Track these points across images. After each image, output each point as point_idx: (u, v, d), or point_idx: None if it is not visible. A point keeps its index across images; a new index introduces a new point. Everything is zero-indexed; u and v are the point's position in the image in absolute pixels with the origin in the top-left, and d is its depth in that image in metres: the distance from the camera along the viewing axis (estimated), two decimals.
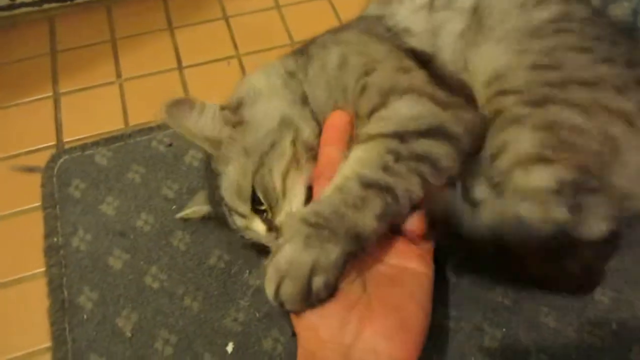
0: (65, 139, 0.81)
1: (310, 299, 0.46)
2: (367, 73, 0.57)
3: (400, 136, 0.51)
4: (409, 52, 0.62)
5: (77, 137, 0.81)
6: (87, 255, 0.68)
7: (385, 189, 0.48)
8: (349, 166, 0.51)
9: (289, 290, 0.46)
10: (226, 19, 0.98)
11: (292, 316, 0.50)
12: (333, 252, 0.46)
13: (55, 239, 0.70)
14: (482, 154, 0.56)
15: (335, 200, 0.48)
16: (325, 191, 0.50)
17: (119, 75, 0.89)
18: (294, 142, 0.58)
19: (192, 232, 0.70)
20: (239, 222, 0.59)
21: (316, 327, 0.47)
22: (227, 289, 0.65)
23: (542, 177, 0.51)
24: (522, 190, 0.52)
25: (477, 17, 0.63)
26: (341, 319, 0.47)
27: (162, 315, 0.63)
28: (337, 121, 0.57)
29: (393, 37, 0.64)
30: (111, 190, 0.74)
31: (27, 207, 0.74)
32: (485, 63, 0.59)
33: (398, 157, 0.50)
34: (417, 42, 0.63)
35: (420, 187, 0.50)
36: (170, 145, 0.79)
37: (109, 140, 0.79)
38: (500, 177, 0.54)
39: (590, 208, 0.52)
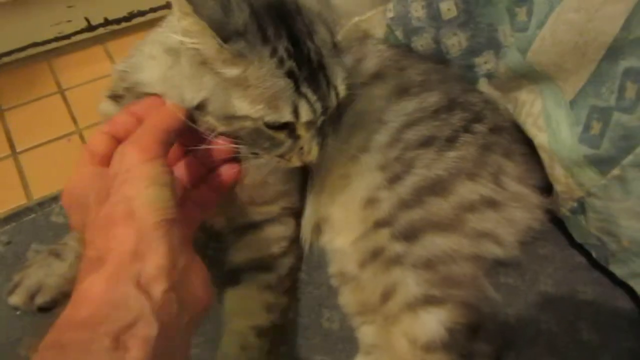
0: None
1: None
2: None
3: None
4: None
5: None
6: None
7: None
8: None
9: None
10: (62, 92, 0.93)
11: None
12: None
13: None
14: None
15: None
16: None
17: None
18: None
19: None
20: None
21: None
22: None
23: (431, 325, 0.51)
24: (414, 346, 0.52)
25: None
26: None
27: None
28: None
29: None
30: None
31: None
32: (359, 179, 0.60)
33: None
34: None
35: None
36: (9, 243, 0.72)
37: None
38: (391, 320, 0.54)
39: (480, 351, 0.54)
